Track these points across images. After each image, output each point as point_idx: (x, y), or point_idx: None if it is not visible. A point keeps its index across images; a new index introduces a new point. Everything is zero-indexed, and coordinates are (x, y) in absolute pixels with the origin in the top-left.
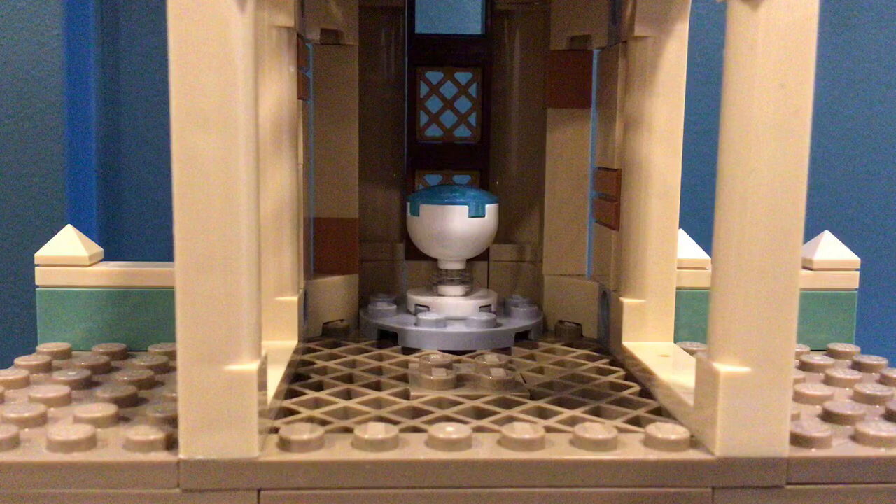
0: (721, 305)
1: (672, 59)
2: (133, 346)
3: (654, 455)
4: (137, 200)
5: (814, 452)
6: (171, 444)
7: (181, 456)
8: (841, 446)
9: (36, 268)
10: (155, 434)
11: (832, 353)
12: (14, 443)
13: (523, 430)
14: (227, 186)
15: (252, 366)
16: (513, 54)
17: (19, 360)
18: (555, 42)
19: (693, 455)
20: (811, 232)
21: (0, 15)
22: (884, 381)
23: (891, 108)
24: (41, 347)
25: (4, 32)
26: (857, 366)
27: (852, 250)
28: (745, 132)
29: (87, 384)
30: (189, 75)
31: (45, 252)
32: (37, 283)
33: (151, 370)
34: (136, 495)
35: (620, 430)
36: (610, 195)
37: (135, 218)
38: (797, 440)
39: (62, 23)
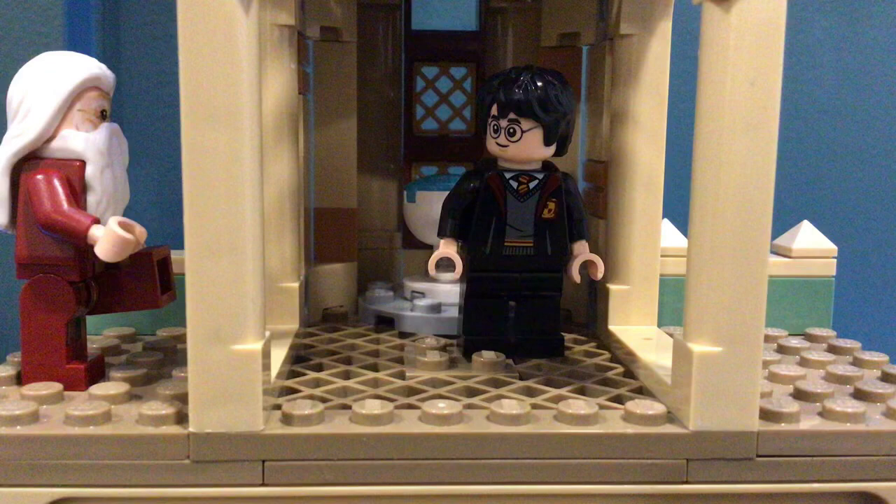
0: (695, 289)
1: (656, 56)
2: (141, 331)
3: (632, 429)
4: (138, 190)
5: (783, 427)
6: (181, 418)
7: (191, 429)
8: (809, 421)
9: None
10: (166, 409)
11: (809, 338)
12: (34, 417)
13: (510, 406)
14: (233, 177)
15: (257, 345)
16: (506, 50)
17: None
18: (545, 38)
19: (669, 429)
20: (790, 221)
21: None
22: (856, 363)
23: (869, 100)
24: None
25: (4, 23)
26: (831, 349)
27: (830, 239)
28: (718, 126)
29: None
30: (198, 74)
31: None
32: None
33: (160, 352)
34: (148, 466)
35: (602, 407)
36: (598, 186)
37: (136, 207)
38: (767, 415)
39: (63, 14)
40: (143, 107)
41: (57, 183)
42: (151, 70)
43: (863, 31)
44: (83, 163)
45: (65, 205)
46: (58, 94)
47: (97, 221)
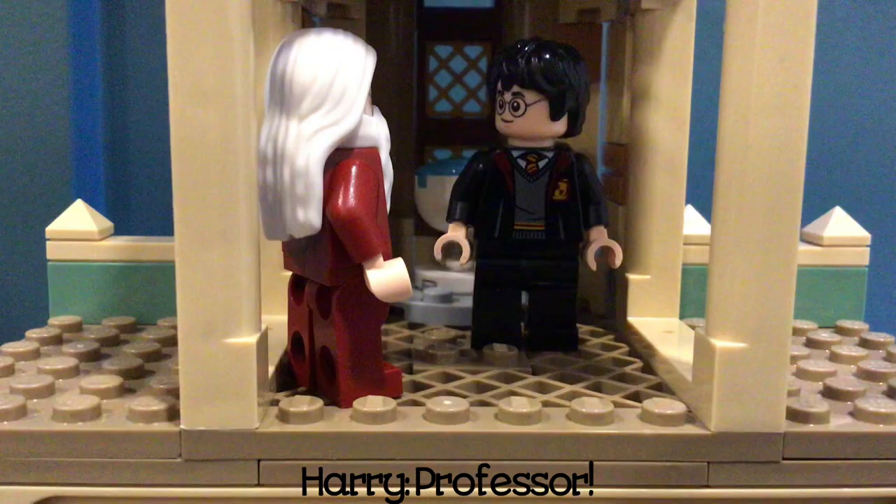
0: (719, 281)
1: (680, 32)
2: (142, 320)
3: (649, 430)
4: (145, 175)
5: (811, 428)
6: (173, 414)
7: (183, 426)
8: (839, 422)
9: (47, 242)
10: (157, 405)
11: (840, 331)
12: (21, 412)
13: (520, 403)
14: (226, 161)
15: (252, 339)
16: (522, 28)
17: (30, 333)
18: (564, 15)
19: (689, 430)
20: (822, 208)
21: None
22: (889, 358)
23: None
24: (52, 320)
25: (8, 8)
26: (863, 343)
27: (863, 226)
28: (745, 106)
29: (95, 356)
30: (187, 50)
31: (56, 226)
32: (48, 257)
33: (158, 343)
34: (138, 464)
35: (618, 405)
36: (617, 170)
37: (142, 193)
38: (794, 415)
39: None
40: (148, 90)
41: (373, 181)
42: (157, 52)
43: (887, 8)
44: (377, 149)
45: (375, 213)
46: (367, 74)
47: (387, 255)
